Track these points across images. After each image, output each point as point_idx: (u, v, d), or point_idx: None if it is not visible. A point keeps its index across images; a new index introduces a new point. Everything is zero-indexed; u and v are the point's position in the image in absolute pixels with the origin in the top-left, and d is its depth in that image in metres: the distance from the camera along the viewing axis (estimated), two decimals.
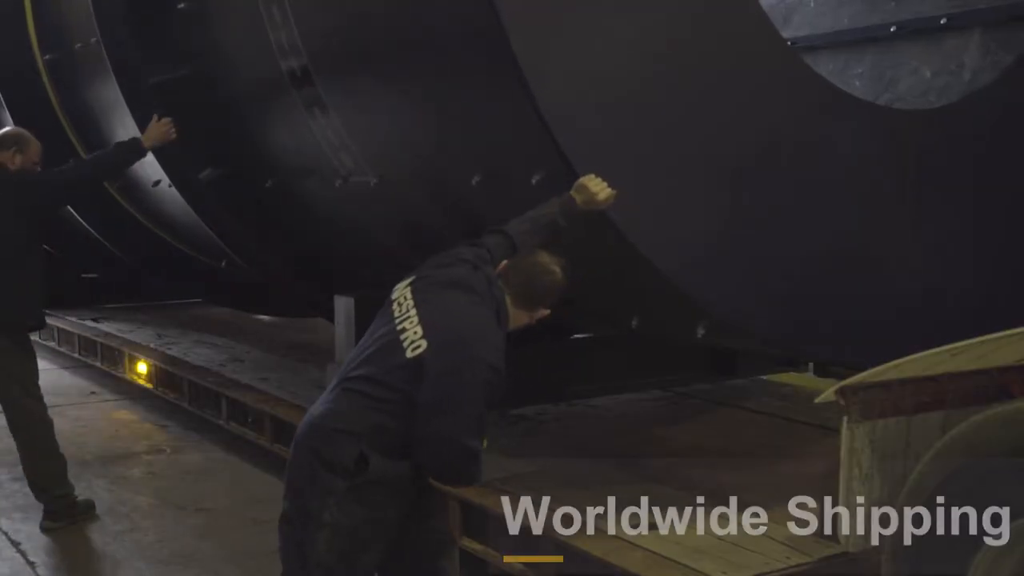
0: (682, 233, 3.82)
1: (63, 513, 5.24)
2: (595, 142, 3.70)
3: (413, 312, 3.11)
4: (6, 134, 5.37)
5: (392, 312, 3.17)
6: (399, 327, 3.10)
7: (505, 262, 3.31)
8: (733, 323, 3.98)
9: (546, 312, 3.31)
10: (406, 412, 3.02)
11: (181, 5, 5.64)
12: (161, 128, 5.48)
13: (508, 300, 3.21)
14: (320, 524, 3.04)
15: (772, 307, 4.01)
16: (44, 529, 5.19)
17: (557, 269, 3.26)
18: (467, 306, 3.12)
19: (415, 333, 3.05)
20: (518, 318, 3.26)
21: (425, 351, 3.01)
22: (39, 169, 5.27)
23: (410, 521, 3.26)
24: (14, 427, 5.28)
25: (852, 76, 5.46)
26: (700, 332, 3.99)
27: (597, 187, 3.54)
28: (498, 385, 3.03)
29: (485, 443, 3.27)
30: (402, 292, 3.22)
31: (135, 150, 5.45)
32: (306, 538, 3.08)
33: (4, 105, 8.68)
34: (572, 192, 3.55)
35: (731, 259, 3.90)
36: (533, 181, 3.73)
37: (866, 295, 4.13)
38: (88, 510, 5.34)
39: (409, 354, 3.03)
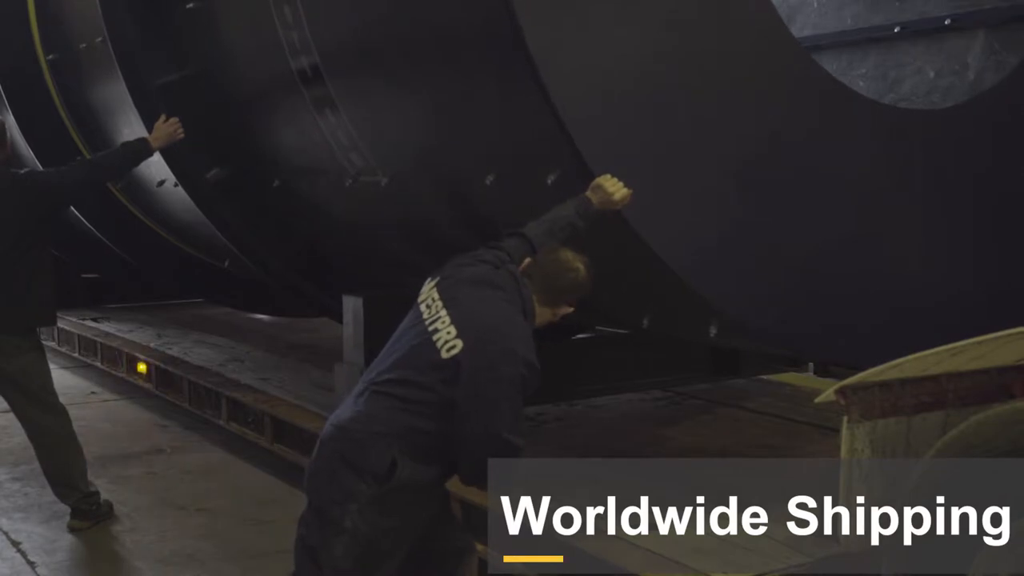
0: (696, 232, 3.80)
1: (91, 513, 5.22)
2: (610, 141, 3.67)
3: (444, 313, 3.09)
4: None
5: (421, 314, 3.15)
6: (431, 328, 3.08)
7: (528, 260, 3.30)
8: (744, 323, 3.97)
9: (570, 309, 3.31)
10: (442, 414, 3.00)
11: (189, 5, 5.63)
12: (168, 128, 5.45)
13: (533, 297, 3.22)
14: (339, 530, 3.02)
15: (782, 307, 3.99)
16: (72, 529, 5.18)
17: (580, 266, 3.26)
18: (497, 302, 3.12)
19: (449, 333, 3.03)
20: (542, 315, 3.27)
21: (461, 351, 3.00)
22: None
23: (430, 528, 3.24)
24: (35, 428, 5.24)
25: (856, 76, 5.45)
26: (712, 332, 3.97)
27: (613, 187, 3.52)
28: (532, 380, 3.03)
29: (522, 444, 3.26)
30: (428, 294, 3.20)
31: (142, 150, 5.43)
32: (322, 542, 3.05)
33: (7, 105, 8.69)
34: (588, 193, 3.53)
35: (743, 259, 3.88)
36: (548, 181, 3.70)
37: (876, 296, 4.11)
38: (110, 511, 5.34)
39: (444, 355, 3.01)
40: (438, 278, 3.25)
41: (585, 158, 3.62)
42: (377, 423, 3.03)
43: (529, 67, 3.55)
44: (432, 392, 3.01)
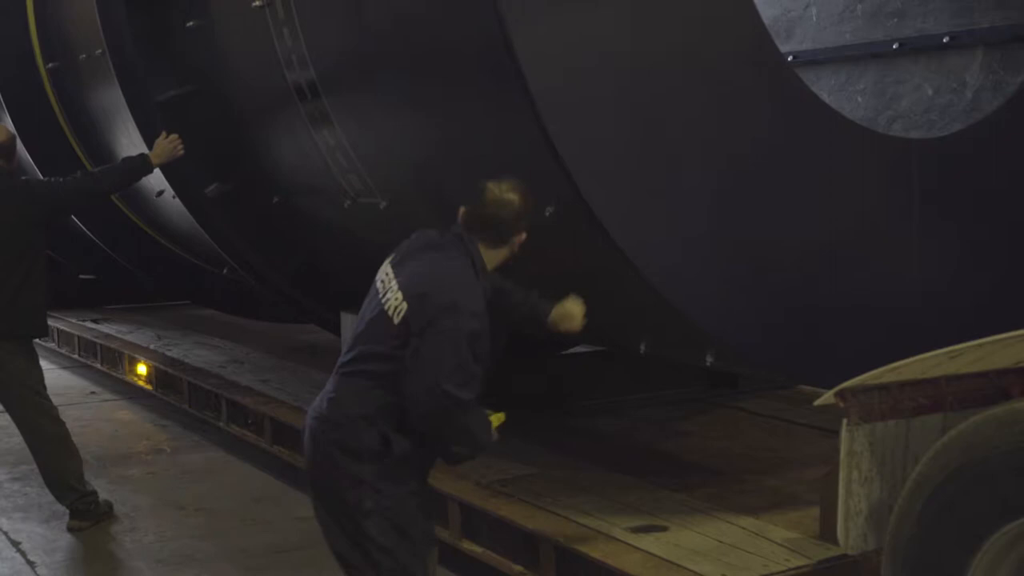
0: (693, 263, 3.82)
1: (90, 512, 5.24)
2: (608, 177, 3.69)
3: (394, 283, 3.21)
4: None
5: (377, 291, 3.27)
6: (383, 299, 3.20)
7: (462, 210, 3.31)
8: (742, 351, 3.98)
9: (523, 236, 3.32)
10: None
11: (190, 24, 5.67)
12: (169, 145, 5.48)
13: (481, 246, 3.26)
14: (365, 513, 3.13)
15: (780, 335, 4.00)
16: (71, 530, 5.20)
17: (514, 196, 3.26)
18: (441, 261, 3.21)
19: (396, 299, 3.16)
20: (498, 256, 3.31)
21: (407, 312, 3.11)
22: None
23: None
24: (31, 431, 5.26)
25: (854, 92, 5.48)
26: (709, 360, 3.99)
27: (577, 311, 3.52)
28: (482, 332, 3.09)
29: (501, 419, 3.26)
30: (383, 272, 3.31)
31: (143, 166, 5.46)
32: (358, 532, 3.16)
33: (7, 112, 8.72)
34: (554, 308, 3.52)
35: (741, 288, 3.89)
36: (547, 213, 3.70)
37: (875, 322, 4.10)
38: (109, 510, 5.35)
39: (396, 320, 3.13)
40: (391, 257, 3.35)
41: (584, 194, 3.64)
42: (353, 405, 3.16)
43: (527, 99, 3.57)
44: (394, 360, 3.11)
